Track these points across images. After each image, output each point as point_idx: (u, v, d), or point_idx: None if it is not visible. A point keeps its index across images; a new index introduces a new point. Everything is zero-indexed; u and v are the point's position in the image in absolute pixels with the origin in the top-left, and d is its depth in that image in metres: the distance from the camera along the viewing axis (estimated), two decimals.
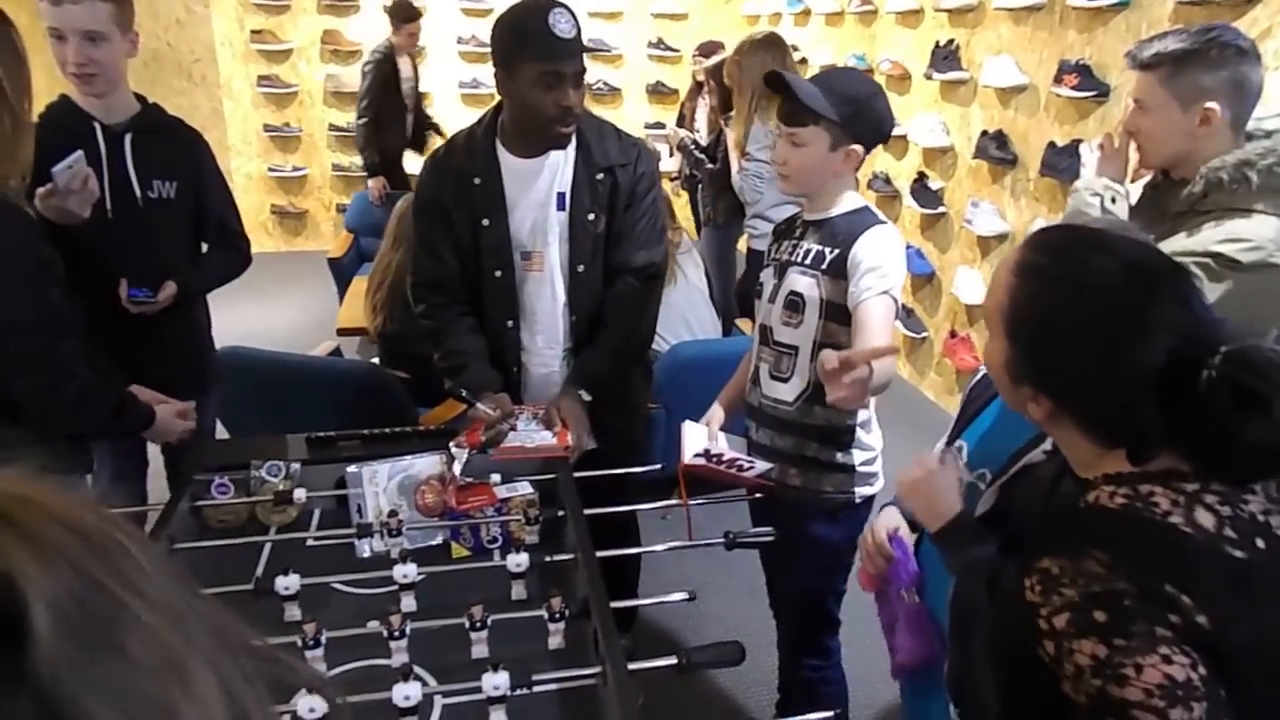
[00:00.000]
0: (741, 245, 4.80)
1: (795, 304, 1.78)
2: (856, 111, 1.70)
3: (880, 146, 1.86)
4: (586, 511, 1.70)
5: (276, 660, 0.45)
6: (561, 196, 1.97)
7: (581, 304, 2.03)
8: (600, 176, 1.96)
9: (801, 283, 1.76)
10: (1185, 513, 0.86)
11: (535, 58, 1.81)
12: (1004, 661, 0.96)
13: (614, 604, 1.42)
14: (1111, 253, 0.96)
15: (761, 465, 1.81)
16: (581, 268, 2.00)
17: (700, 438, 1.88)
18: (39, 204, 1.84)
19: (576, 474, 1.84)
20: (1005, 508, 1.22)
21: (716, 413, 1.96)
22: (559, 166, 1.97)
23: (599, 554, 1.60)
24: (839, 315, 1.73)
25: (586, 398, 1.98)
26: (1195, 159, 1.63)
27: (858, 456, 1.82)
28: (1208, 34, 1.60)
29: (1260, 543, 0.86)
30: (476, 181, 1.95)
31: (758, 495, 1.85)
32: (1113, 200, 1.75)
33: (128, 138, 2.03)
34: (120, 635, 0.37)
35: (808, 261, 1.77)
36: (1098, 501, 0.91)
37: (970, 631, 1.23)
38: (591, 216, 1.97)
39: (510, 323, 2.04)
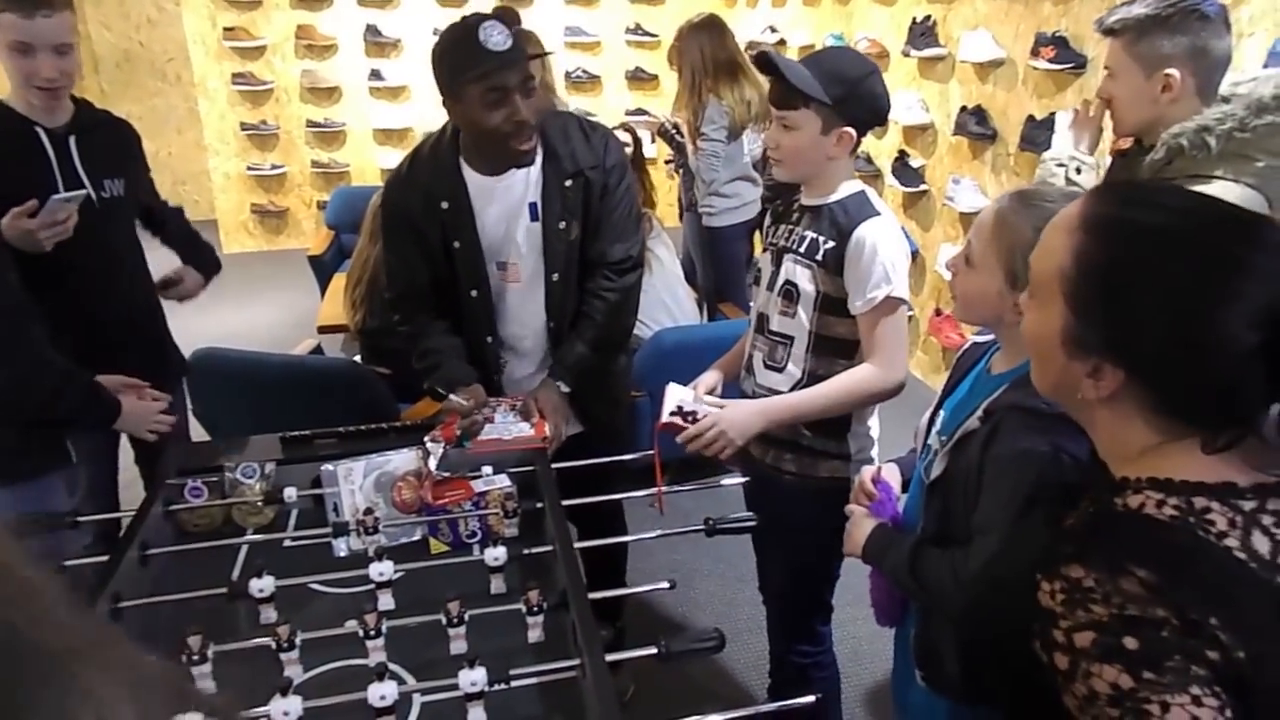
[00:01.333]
0: None
1: (790, 294, 1.75)
2: (848, 93, 1.65)
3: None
4: (566, 502, 1.69)
5: (177, 685, 0.44)
6: (534, 206, 1.93)
7: (559, 312, 2.01)
8: (569, 183, 1.92)
9: (797, 273, 1.74)
10: (1242, 535, 0.76)
11: (474, 79, 1.75)
12: (973, 646, 0.93)
13: (593, 595, 1.41)
14: (1199, 200, 0.86)
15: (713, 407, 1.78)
16: (556, 276, 1.97)
17: (680, 396, 1.84)
18: (7, 222, 1.85)
19: (556, 465, 1.82)
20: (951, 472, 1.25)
21: (708, 377, 1.93)
22: (528, 176, 1.93)
23: (580, 544, 1.59)
24: (835, 308, 1.70)
25: (565, 389, 1.96)
26: (1162, 126, 1.61)
27: (853, 444, 1.80)
28: (1172, 0, 1.59)
29: None
30: (444, 205, 1.91)
31: (743, 478, 1.83)
32: (1078, 171, 1.74)
33: (72, 140, 2.01)
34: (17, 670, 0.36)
35: (803, 250, 1.73)
36: (1142, 510, 0.80)
37: (936, 604, 1.25)
38: (563, 225, 1.93)
39: (490, 339, 2.04)
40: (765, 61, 1.68)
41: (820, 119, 1.66)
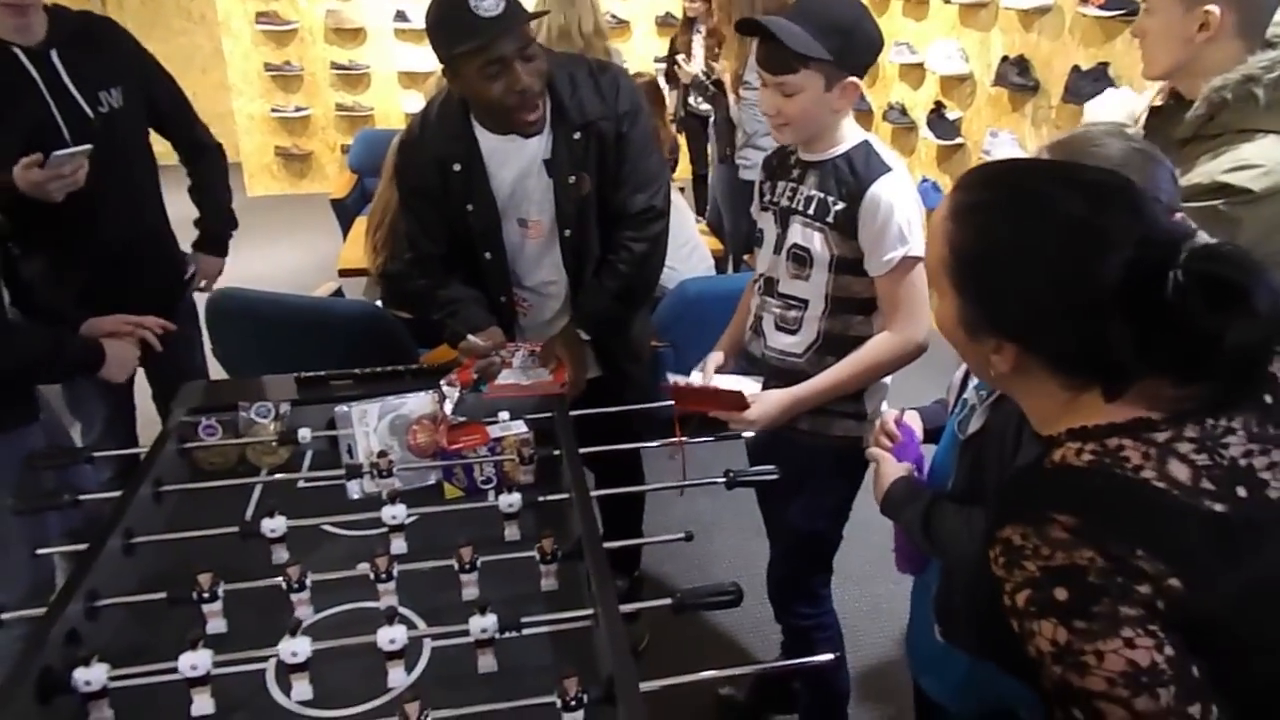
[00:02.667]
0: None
1: (802, 259, 1.68)
2: (846, 43, 1.54)
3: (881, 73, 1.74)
4: (583, 450, 1.65)
5: None
6: (547, 164, 1.87)
7: (575, 267, 1.96)
8: (578, 135, 1.84)
9: (807, 236, 1.66)
10: (1158, 466, 0.78)
11: (469, 51, 1.66)
12: (979, 606, 0.90)
13: (608, 544, 1.38)
14: (1046, 174, 0.90)
15: (747, 385, 1.72)
16: (568, 232, 1.91)
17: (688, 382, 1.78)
18: (17, 170, 1.79)
19: (574, 412, 1.79)
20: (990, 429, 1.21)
21: (714, 357, 1.87)
22: (540, 132, 1.85)
23: (596, 492, 1.56)
24: (852, 268, 1.64)
25: (585, 337, 1.92)
26: (1197, 70, 1.49)
27: (869, 404, 1.75)
28: None
29: (1241, 491, 0.78)
30: (456, 169, 1.85)
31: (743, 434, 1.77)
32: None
33: (54, 54, 1.90)
34: None
35: (810, 212, 1.65)
36: (1064, 460, 0.83)
37: (953, 564, 1.22)
38: (573, 179, 1.86)
39: (504, 299, 2.00)
40: (754, 27, 1.56)
41: (823, 76, 1.55)
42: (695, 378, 1.79)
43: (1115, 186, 0.86)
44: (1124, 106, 1.77)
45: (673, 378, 1.77)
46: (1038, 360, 0.86)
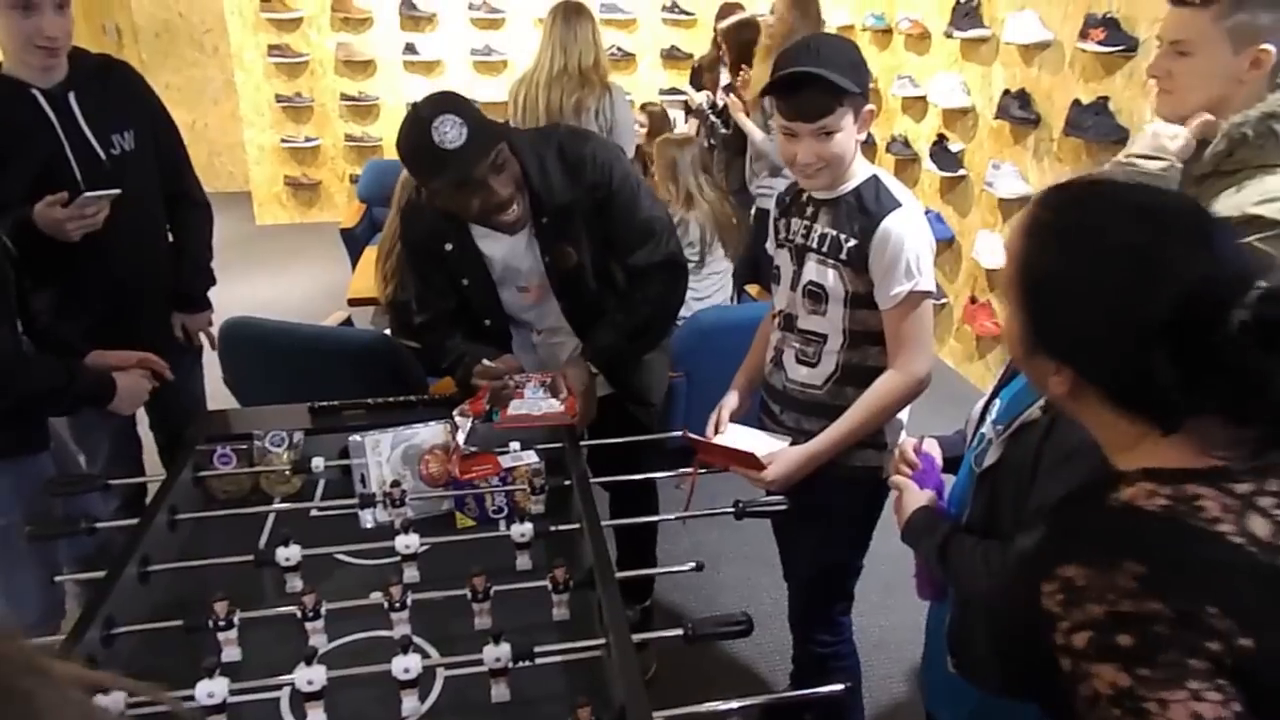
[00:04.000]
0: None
1: (817, 295, 1.70)
2: (860, 74, 1.60)
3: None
4: (595, 480, 1.67)
5: None
6: (535, 238, 1.90)
7: (581, 325, 2.00)
8: (545, 220, 1.86)
9: (821, 273, 1.68)
10: (1237, 520, 0.75)
11: (439, 181, 1.71)
12: (1002, 642, 0.90)
13: (619, 574, 1.39)
14: (1117, 198, 0.88)
15: (764, 443, 1.75)
16: (564, 301, 1.96)
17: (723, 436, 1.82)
18: (39, 208, 1.84)
19: (584, 443, 1.81)
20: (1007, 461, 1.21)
21: (729, 402, 1.89)
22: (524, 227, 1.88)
23: (607, 523, 1.57)
24: (867, 302, 1.66)
25: (595, 371, 1.94)
26: (1229, 108, 1.53)
27: (889, 435, 1.76)
28: None
29: None
30: (449, 248, 1.89)
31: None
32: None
33: (72, 97, 1.95)
34: None
35: (824, 249, 1.68)
36: (1134, 502, 0.80)
37: (968, 597, 1.22)
38: (548, 259, 1.89)
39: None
40: (803, 79, 1.54)
41: (851, 110, 1.60)
42: (713, 434, 1.81)
43: (1183, 215, 0.84)
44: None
45: (691, 435, 1.79)
46: (1093, 388, 0.85)
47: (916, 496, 1.38)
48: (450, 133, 1.64)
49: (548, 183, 1.84)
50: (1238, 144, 1.49)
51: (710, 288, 3.37)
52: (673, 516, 1.76)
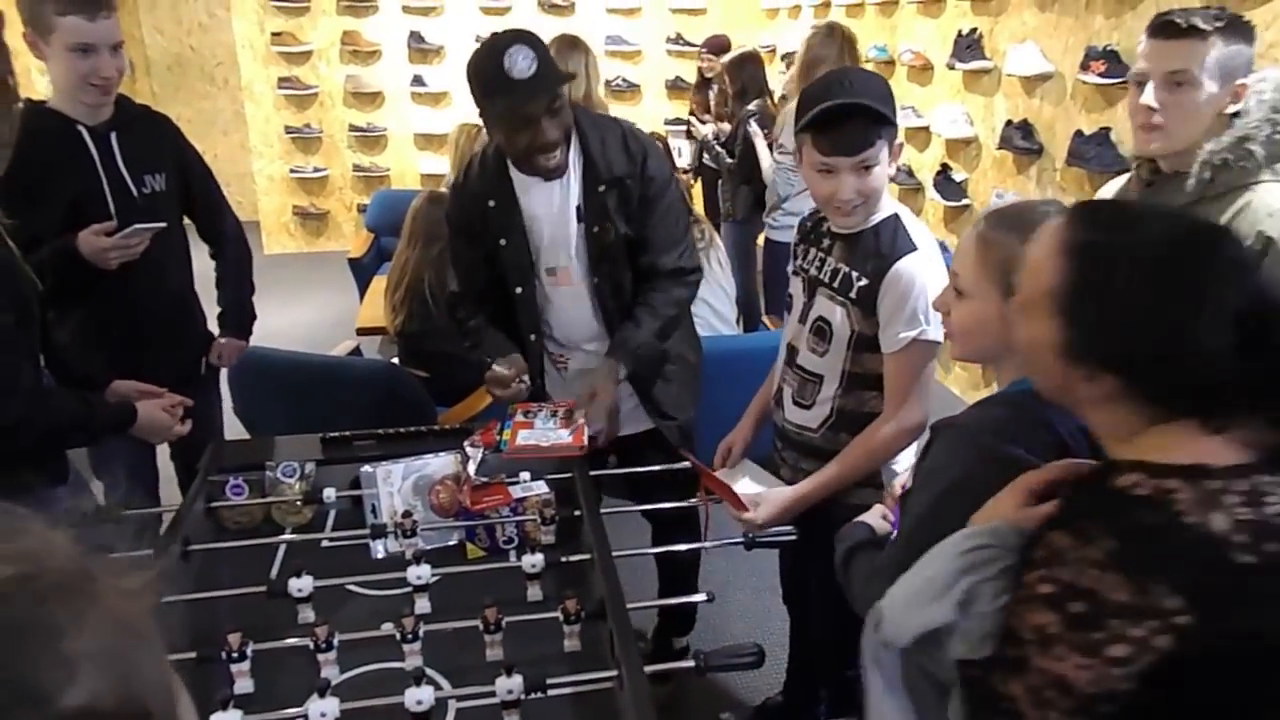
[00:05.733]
0: (760, 238, 4.77)
1: (823, 331, 1.70)
2: (893, 105, 1.60)
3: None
4: (636, 509, 1.69)
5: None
6: (579, 209, 1.95)
7: (606, 313, 2.01)
8: (603, 189, 1.92)
9: (830, 309, 1.68)
10: (1202, 512, 0.85)
11: (499, 105, 1.76)
12: None
13: (631, 606, 1.39)
14: (1160, 219, 0.95)
15: (753, 489, 1.76)
16: (597, 280, 1.98)
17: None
18: (84, 235, 1.91)
19: (594, 472, 1.82)
20: None
21: (736, 441, 1.92)
22: (570, 180, 1.94)
23: (618, 554, 1.57)
24: (870, 345, 1.65)
25: (623, 374, 1.93)
26: (1201, 141, 1.55)
27: (885, 473, 1.75)
28: (1226, 13, 1.54)
29: (1272, 546, 0.84)
30: (491, 204, 1.95)
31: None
32: None
33: (114, 136, 2.05)
34: None
35: (836, 285, 1.67)
36: (1122, 488, 0.90)
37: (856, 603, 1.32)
38: (597, 229, 1.93)
39: (533, 336, 2.05)
40: (844, 111, 1.51)
41: (887, 142, 1.58)
42: (721, 463, 1.85)
43: (1223, 240, 0.92)
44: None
45: (696, 462, 1.81)
46: (1131, 394, 0.92)
47: (868, 515, 1.43)
48: (521, 64, 1.71)
49: (607, 156, 1.91)
50: (1219, 170, 1.52)
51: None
52: (683, 547, 1.76)
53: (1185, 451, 0.90)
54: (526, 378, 1.92)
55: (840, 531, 1.42)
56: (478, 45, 1.82)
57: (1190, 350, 0.88)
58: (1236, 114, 1.56)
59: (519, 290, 2.00)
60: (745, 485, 1.75)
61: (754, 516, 1.68)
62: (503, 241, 1.96)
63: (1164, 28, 1.58)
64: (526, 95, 1.73)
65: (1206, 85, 1.54)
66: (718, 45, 4.94)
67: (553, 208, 1.95)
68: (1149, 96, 1.59)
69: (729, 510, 1.74)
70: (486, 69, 1.75)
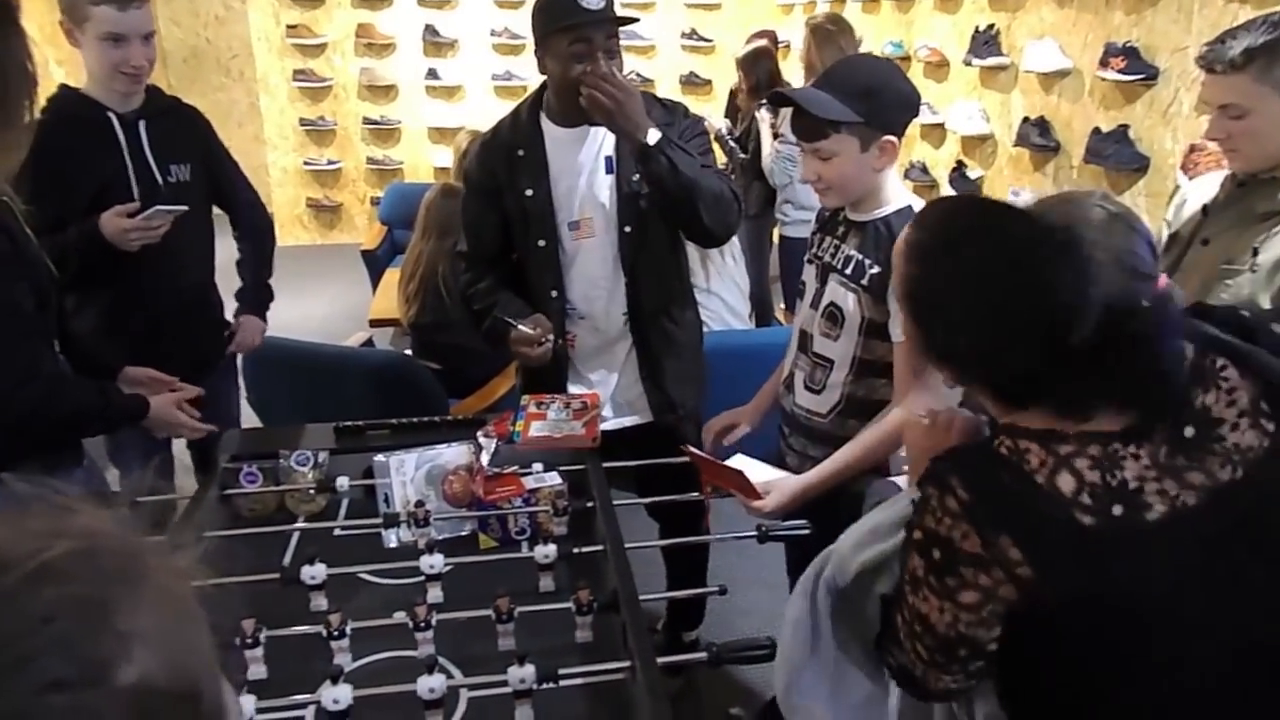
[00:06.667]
0: (773, 234, 4.75)
1: (835, 316, 1.71)
2: (876, 103, 1.57)
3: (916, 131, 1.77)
4: (617, 503, 1.68)
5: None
6: (610, 160, 1.97)
7: (634, 265, 2.01)
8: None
9: (842, 295, 1.69)
10: (1049, 473, 0.92)
11: (565, 30, 1.83)
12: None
13: (643, 597, 1.39)
14: (985, 217, 1.03)
15: (762, 477, 1.74)
16: (629, 229, 1.98)
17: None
18: (106, 216, 1.93)
19: (606, 464, 1.81)
20: None
21: (748, 414, 1.94)
22: (604, 131, 1.96)
23: (630, 546, 1.57)
24: (881, 332, 1.66)
25: (653, 137, 1.83)
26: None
27: (893, 462, 1.76)
28: (1269, 21, 1.52)
29: (1118, 509, 0.90)
30: (520, 153, 1.98)
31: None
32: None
33: (142, 124, 2.08)
34: None
35: (849, 272, 1.68)
36: (995, 449, 0.98)
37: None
38: (636, 177, 1.95)
39: (555, 292, 2.03)
40: (780, 100, 1.64)
41: (857, 139, 1.59)
42: (710, 445, 1.85)
43: (1049, 241, 0.97)
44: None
45: (692, 450, 1.79)
46: (976, 385, 1.03)
47: (900, 478, 1.48)
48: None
49: (647, 111, 1.90)
50: None
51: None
52: (694, 540, 1.76)
53: (1036, 419, 0.96)
54: (552, 335, 1.92)
55: (872, 487, 1.46)
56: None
57: (1002, 348, 0.96)
58: None
59: (541, 244, 1.99)
60: (753, 474, 1.74)
61: (763, 504, 1.68)
62: (529, 192, 1.97)
63: (1203, 63, 1.58)
64: (594, 22, 1.82)
65: (1265, 108, 1.52)
66: (762, 39, 4.85)
67: (582, 158, 1.97)
68: (1214, 128, 1.61)
69: (739, 499, 1.73)
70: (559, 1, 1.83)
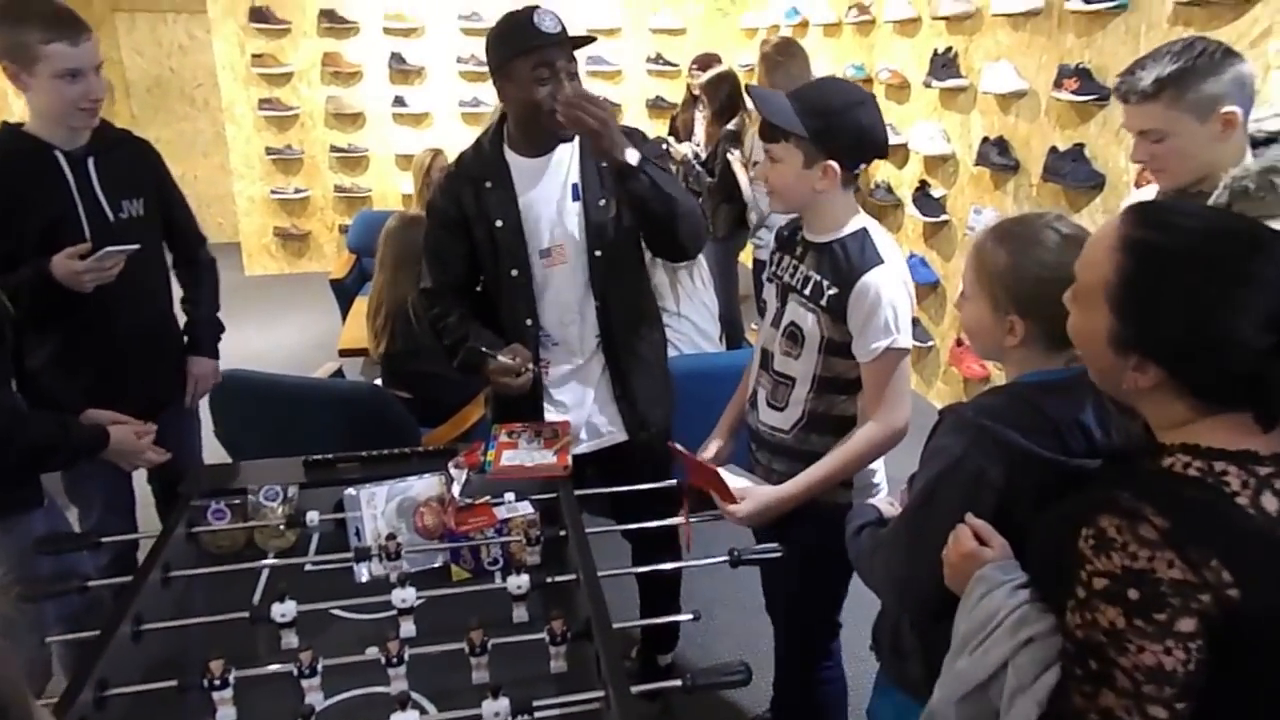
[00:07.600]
0: (744, 257, 4.80)
1: (795, 336, 1.74)
2: (828, 126, 1.60)
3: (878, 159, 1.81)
4: (617, 528, 1.69)
5: None
6: (575, 187, 1.99)
7: (604, 289, 2.02)
8: (605, 164, 1.92)
9: (801, 315, 1.72)
10: (1252, 495, 0.90)
11: (525, 55, 1.85)
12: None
13: (617, 625, 1.39)
14: (1211, 219, 1.03)
15: (739, 483, 1.78)
16: (598, 253, 1.99)
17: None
18: (58, 259, 1.89)
19: (578, 491, 1.81)
20: None
21: (712, 446, 1.95)
22: (567, 160, 1.98)
23: (603, 574, 1.57)
24: (840, 350, 1.69)
25: (633, 157, 1.83)
26: (1219, 167, 1.58)
27: (857, 479, 1.78)
28: (1190, 47, 1.58)
29: None
30: (488, 185, 1.98)
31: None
32: None
33: (91, 161, 2.03)
34: None
35: (807, 292, 1.71)
36: (1170, 469, 0.95)
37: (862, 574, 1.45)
38: (602, 202, 1.97)
39: (529, 321, 2.03)
40: (748, 93, 1.69)
41: (801, 153, 1.63)
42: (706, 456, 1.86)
43: (1274, 242, 0.95)
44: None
45: (678, 447, 1.82)
46: (1177, 384, 0.97)
47: (878, 499, 1.52)
48: (549, 23, 1.86)
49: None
50: (1239, 196, 1.54)
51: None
52: (669, 566, 1.76)
53: (1226, 439, 0.94)
54: (531, 364, 1.93)
55: (852, 510, 1.51)
56: (499, 20, 1.93)
57: (1230, 344, 0.92)
58: (1274, 137, 1.60)
59: (514, 274, 2.00)
60: (731, 480, 1.77)
61: (737, 509, 1.72)
62: (499, 223, 1.98)
63: (1118, 94, 1.65)
64: (556, 45, 1.85)
65: (1183, 131, 1.59)
66: (706, 62, 4.96)
67: (548, 188, 1.98)
68: (1138, 152, 1.67)
69: (716, 501, 1.76)
70: (517, 25, 1.87)
